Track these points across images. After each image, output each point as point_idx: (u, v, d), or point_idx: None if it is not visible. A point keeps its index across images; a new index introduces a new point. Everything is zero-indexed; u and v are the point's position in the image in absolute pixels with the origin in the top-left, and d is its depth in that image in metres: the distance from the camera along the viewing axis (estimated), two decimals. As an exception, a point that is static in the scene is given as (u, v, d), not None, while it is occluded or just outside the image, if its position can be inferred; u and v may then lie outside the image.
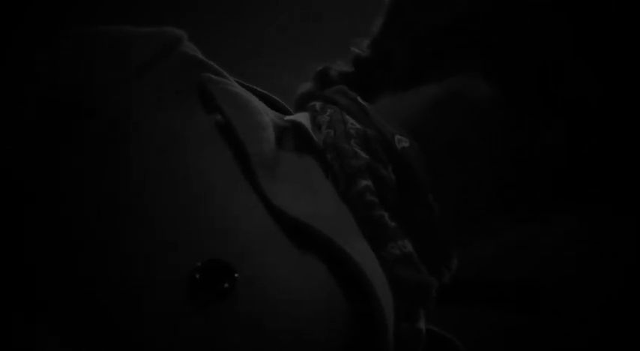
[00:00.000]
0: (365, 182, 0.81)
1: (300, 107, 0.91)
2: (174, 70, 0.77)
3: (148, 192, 0.67)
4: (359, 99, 0.88)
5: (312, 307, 0.68)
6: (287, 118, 0.87)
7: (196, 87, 0.79)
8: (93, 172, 0.66)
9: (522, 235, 3.21)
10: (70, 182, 0.66)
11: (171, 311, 0.62)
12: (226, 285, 0.65)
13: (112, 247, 0.64)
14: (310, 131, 0.84)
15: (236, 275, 0.65)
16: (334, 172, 0.81)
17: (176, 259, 0.65)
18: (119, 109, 0.70)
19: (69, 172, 0.66)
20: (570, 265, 3.25)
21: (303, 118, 0.87)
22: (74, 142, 0.67)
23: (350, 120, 0.84)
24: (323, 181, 0.80)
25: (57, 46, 0.75)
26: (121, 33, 0.79)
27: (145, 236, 0.64)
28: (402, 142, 0.85)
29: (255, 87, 0.89)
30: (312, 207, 0.75)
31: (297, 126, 0.85)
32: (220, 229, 0.68)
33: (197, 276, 0.64)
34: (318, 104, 0.87)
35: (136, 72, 0.73)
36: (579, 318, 3.32)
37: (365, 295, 0.71)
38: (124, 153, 0.68)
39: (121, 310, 0.61)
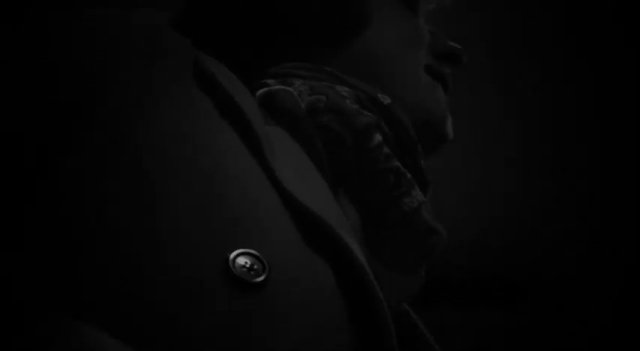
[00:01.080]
0: (379, 137, 0.80)
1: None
2: (170, 51, 0.74)
3: (174, 180, 0.66)
4: (326, 67, 0.86)
5: (324, 306, 0.67)
6: (259, 92, 0.82)
7: (192, 65, 0.76)
8: (113, 158, 0.65)
9: (522, 234, 3.20)
10: (90, 169, 0.65)
11: (213, 300, 0.61)
12: (263, 277, 0.63)
13: (143, 239, 0.63)
14: (297, 96, 0.81)
15: (267, 267, 0.64)
16: (331, 136, 0.79)
17: (210, 251, 0.64)
18: (129, 94, 0.68)
19: (90, 155, 0.65)
20: (570, 263, 3.25)
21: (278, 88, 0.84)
22: (89, 121, 0.65)
23: (333, 85, 0.83)
24: (307, 162, 0.77)
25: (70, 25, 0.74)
26: (118, 16, 0.76)
27: (180, 225, 0.63)
28: (385, 99, 0.84)
29: None
30: (312, 194, 0.73)
31: (278, 93, 0.81)
32: (246, 219, 0.67)
33: (233, 266, 0.63)
34: (273, 81, 0.83)
35: (140, 55, 0.71)
36: (578, 317, 3.32)
37: (369, 297, 0.71)
38: (141, 140, 0.67)
39: (168, 303, 0.61)
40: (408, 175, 0.81)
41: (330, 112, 0.80)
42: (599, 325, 3.34)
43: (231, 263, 0.62)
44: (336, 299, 0.68)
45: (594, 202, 3.05)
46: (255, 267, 0.64)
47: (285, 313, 0.64)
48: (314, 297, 0.67)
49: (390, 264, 0.80)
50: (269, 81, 0.82)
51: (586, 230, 3.12)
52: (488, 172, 2.91)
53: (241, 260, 0.63)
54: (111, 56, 0.69)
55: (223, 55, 0.81)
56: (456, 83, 0.92)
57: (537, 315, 3.38)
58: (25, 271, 0.58)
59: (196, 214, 0.64)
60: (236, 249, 0.63)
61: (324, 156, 0.79)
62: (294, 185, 0.71)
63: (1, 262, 0.58)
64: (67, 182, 0.62)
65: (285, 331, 0.64)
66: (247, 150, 0.71)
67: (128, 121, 0.66)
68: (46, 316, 0.53)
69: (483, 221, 3.06)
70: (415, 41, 0.91)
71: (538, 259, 3.29)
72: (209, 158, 0.68)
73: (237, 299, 0.62)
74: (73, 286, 0.59)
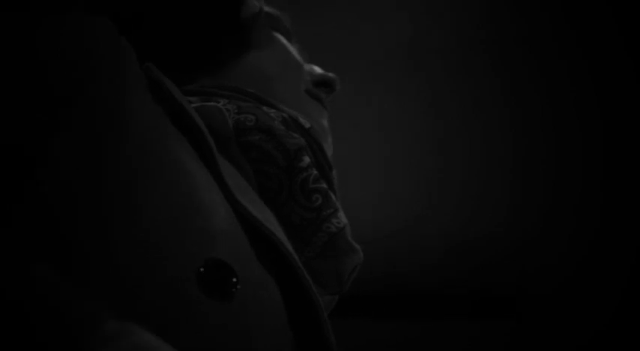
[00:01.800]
0: (308, 158, 0.83)
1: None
2: (131, 61, 0.75)
3: (149, 191, 0.68)
4: (249, 89, 0.89)
5: (275, 317, 0.72)
6: (193, 106, 0.84)
7: (144, 75, 0.77)
8: (89, 170, 0.66)
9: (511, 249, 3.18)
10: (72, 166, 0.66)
11: (187, 302, 0.63)
12: (235, 281, 0.67)
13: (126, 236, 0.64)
14: (226, 113, 0.83)
15: (237, 274, 0.67)
16: (261, 155, 0.81)
17: (182, 258, 0.66)
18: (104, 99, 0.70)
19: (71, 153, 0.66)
20: (568, 269, 3.26)
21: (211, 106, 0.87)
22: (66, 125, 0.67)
23: (261, 105, 0.87)
24: (241, 179, 0.80)
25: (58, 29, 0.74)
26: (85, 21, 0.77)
27: (159, 233, 0.65)
28: (305, 123, 0.88)
29: None
30: (258, 210, 0.76)
31: (210, 110, 0.83)
32: (210, 229, 0.69)
33: (202, 271, 0.65)
34: (196, 98, 0.86)
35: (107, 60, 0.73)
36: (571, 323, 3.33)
37: (312, 306, 0.74)
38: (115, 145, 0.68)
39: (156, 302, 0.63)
40: (334, 197, 0.84)
41: (261, 131, 0.82)
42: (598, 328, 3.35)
43: (204, 271, 0.66)
44: (282, 312, 0.72)
45: (585, 222, 3.06)
46: (226, 276, 0.67)
47: (251, 320, 0.68)
48: (269, 309, 0.70)
49: (317, 283, 0.82)
50: (192, 99, 0.84)
51: (576, 249, 3.13)
52: (486, 181, 2.92)
53: (213, 270, 0.66)
54: (80, 64, 0.69)
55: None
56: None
57: (524, 329, 3.38)
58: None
59: (171, 224, 0.67)
60: (209, 257, 0.66)
61: (252, 174, 0.82)
62: (246, 200, 0.74)
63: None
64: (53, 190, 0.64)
65: (253, 336, 0.67)
66: (200, 160, 0.73)
67: (100, 132, 0.67)
68: (95, 318, 0.55)
69: (469, 234, 3.07)
70: (292, 65, 0.95)
71: (526, 275, 3.30)
72: (174, 170, 0.70)
73: (214, 308, 0.65)
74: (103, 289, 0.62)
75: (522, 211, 3.05)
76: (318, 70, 0.98)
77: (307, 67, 0.97)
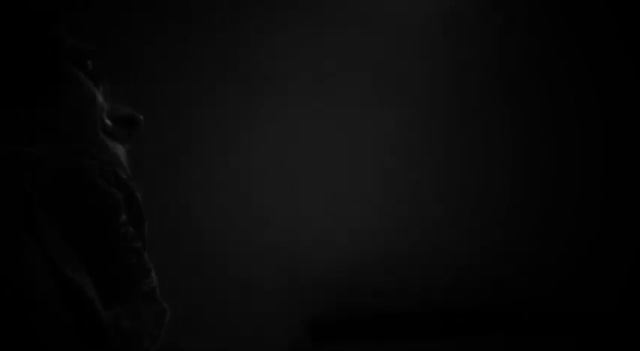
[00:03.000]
0: (125, 216, 0.84)
1: None
2: None
3: None
4: (62, 128, 0.90)
5: None
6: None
7: None
8: None
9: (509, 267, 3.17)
10: None
11: None
12: None
13: None
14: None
15: None
16: (81, 208, 0.82)
17: None
18: None
19: None
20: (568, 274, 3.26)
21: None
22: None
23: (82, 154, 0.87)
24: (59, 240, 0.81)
25: None
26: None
27: None
28: (123, 173, 0.89)
29: None
30: (76, 272, 0.78)
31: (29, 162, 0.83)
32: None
33: None
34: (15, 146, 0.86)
35: None
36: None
37: None
38: None
39: None
40: (146, 256, 0.85)
41: (82, 188, 0.82)
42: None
43: None
44: None
45: (585, 222, 3.05)
46: None
47: None
48: None
49: (128, 341, 0.83)
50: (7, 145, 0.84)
51: (576, 249, 3.13)
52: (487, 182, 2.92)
53: None
54: None
55: None
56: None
57: (525, 329, 3.38)
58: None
59: None
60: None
61: (73, 227, 0.81)
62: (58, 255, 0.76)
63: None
64: None
65: None
66: (15, 209, 0.76)
67: None
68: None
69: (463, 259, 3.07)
70: (91, 103, 0.95)
71: (526, 275, 3.29)
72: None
73: None
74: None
75: (522, 211, 3.04)
76: (122, 109, 0.98)
77: (109, 106, 0.97)
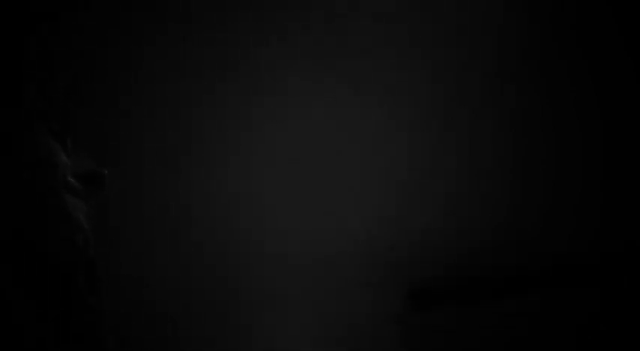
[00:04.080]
0: (82, 277, 0.90)
1: None
2: None
3: None
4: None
5: None
6: None
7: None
8: None
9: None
10: None
11: None
12: None
13: None
14: None
15: None
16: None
17: None
18: None
19: None
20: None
21: None
22: None
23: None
24: None
25: None
26: None
27: None
28: (80, 239, 0.95)
29: None
30: None
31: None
32: None
33: None
34: None
35: None
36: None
37: None
38: None
39: None
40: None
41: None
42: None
43: None
44: None
45: (585, 222, 3.06)
46: None
47: None
48: None
49: None
50: None
51: (576, 249, 3.13)
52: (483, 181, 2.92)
53: None
54: None
55: None
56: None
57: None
58: None
59: None
60: None
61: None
62: None
63: None
64: None
65: None
66: None
67: None
68: None
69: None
70: (51, 162, 0.97)
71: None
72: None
73: None
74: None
75: (522, 211, 3.05)
76: (87, 164, 1.00)
77: (74, 161, 0.99)
